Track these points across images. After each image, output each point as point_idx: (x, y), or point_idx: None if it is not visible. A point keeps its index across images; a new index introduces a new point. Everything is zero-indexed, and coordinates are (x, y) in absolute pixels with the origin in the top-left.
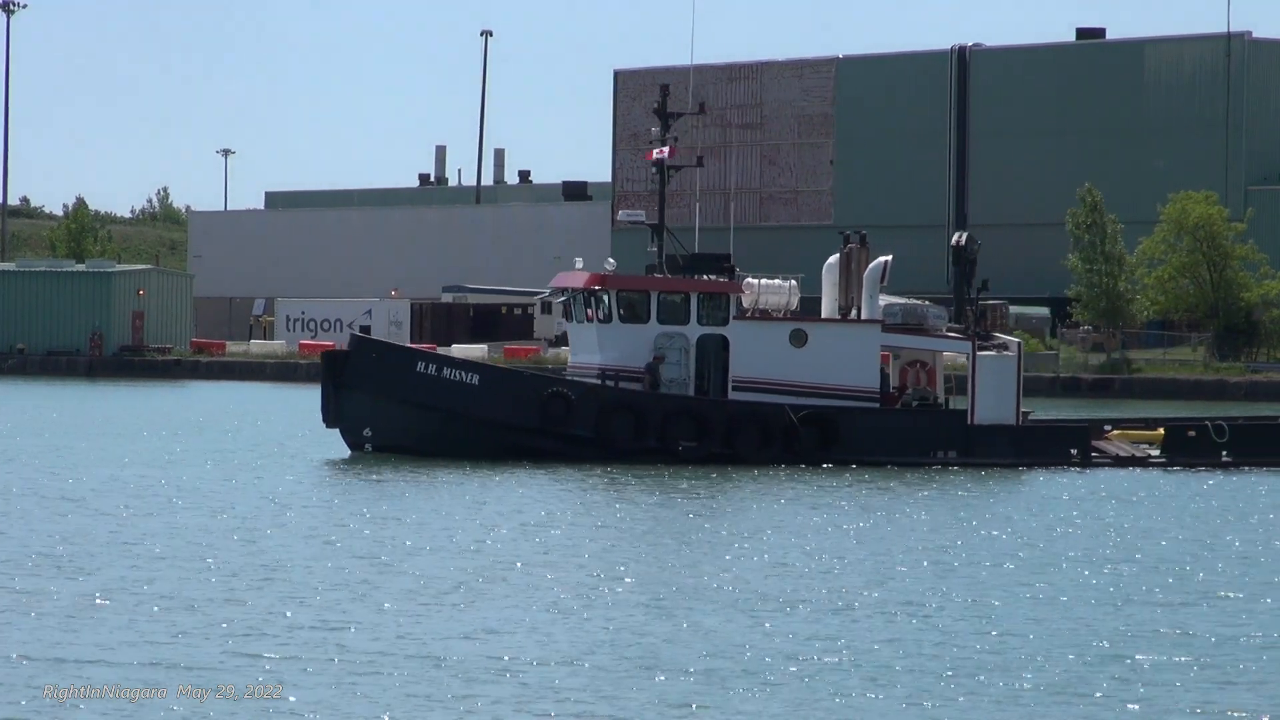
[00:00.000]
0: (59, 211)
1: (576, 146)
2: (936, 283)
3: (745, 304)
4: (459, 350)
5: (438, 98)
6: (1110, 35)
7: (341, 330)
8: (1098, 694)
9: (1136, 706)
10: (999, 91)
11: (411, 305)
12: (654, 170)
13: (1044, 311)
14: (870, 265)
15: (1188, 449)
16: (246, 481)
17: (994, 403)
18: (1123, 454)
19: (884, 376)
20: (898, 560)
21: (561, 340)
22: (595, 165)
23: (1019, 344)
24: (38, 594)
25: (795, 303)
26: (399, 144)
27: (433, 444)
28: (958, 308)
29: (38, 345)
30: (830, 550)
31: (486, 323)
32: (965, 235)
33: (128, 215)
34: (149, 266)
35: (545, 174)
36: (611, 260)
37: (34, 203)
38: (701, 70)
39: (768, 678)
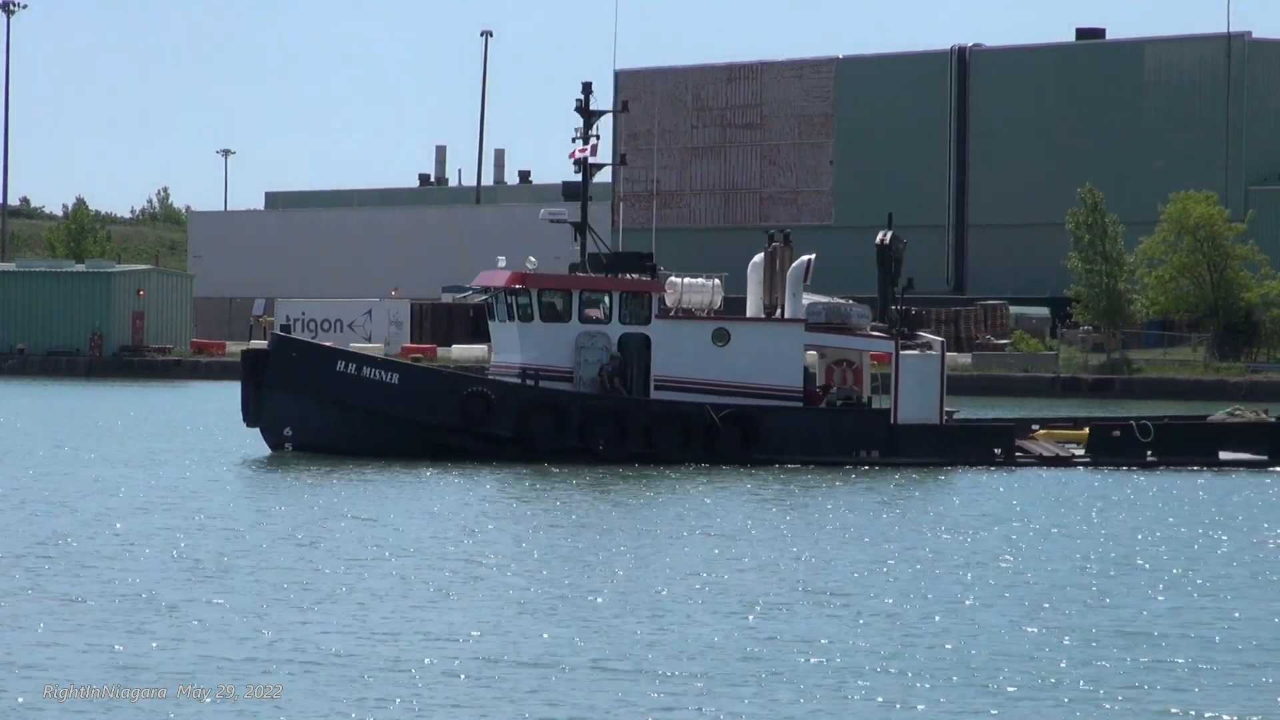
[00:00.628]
0: (59, 211)
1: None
2: (936, 283)
3: (669, 303)
4: (459, 351)
5: (438, 98)
6: (1110, 35)
7: (342, 330)
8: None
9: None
10: (999, 91)
11: (411, 305)
12: (576, 168)
13: (1044, 311)
14: (793, 264)
15: (1112, 449)
16: (153, 480)
17: (917, 402)
18: (1047, 454)
19: (809, 375)
20: (826, 559)
21: None
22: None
23: (942, 343)
24: None
25: (719, 302)
26: (399, 144)
27: (353, 444)
28: (882, 307)
29: (37, 345)
30: (736, 549)
31: (487, 323)
32: (889, 234)
33: (128, 215)
34: (149, 267)
35: (545, 174)
36: (533, 259)
37: (34, 203)
38: (701, 70)
39: (671, 674)
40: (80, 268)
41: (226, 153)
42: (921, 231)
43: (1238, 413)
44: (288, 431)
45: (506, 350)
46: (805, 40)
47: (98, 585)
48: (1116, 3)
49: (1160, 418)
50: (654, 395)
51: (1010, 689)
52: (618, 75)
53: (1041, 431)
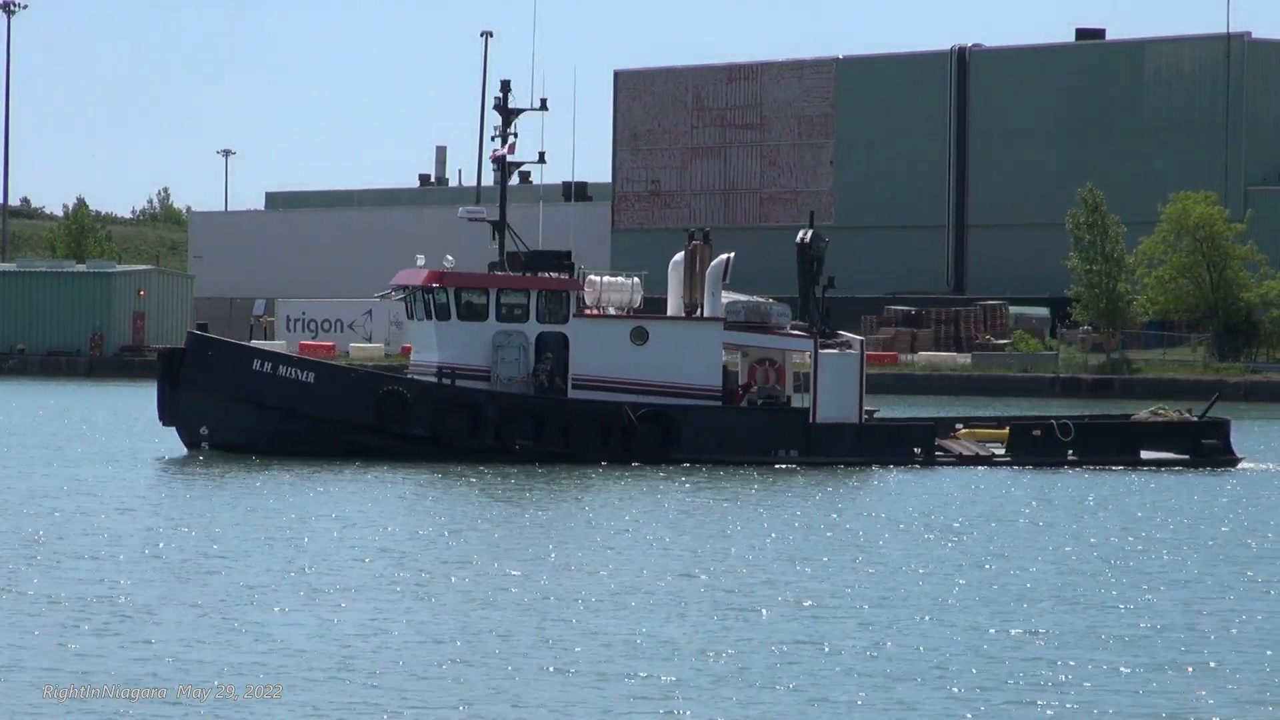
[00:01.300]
0: (59, 212)
1: (576, 146)
2: (936, 283)
3: (588, 301)
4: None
5: (438, 98)
6: (1110, 35)
7: (342, 331)
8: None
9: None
10: (999, 91)
11: None
12: (495, 168)
13: (1044, 312)
14: (712, 263)
15: (1033, 448)
16: (53, 479)
17: (836, 401)
18: (967, 453)
19: (729, 374)
20: (732, 557)
21: None
22: (595, 165)
23: (861, 342)
24: None
25: (638, 300)
26: (399, 144)
27: (269, 443)
28: (802, 305)
29: (38, 345)
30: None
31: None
32: (810, 233)
33: (128, 215)
34: (149, 267)
35: (545, 174)
36: (450, 257)
37: (34, 203)
38: (701, 70)
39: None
40: (81, 268)
41: (226, 153)
42: (921, 231)
43: (1161, 411)
44: (204, 431)
45: (424, 349)
46: (805, 40)
47: None
48: (1116, 3)
49: (1080, 417)
50: (572, 394)
51: (905, 688)
52: (618, 75)
53: (964, 431)
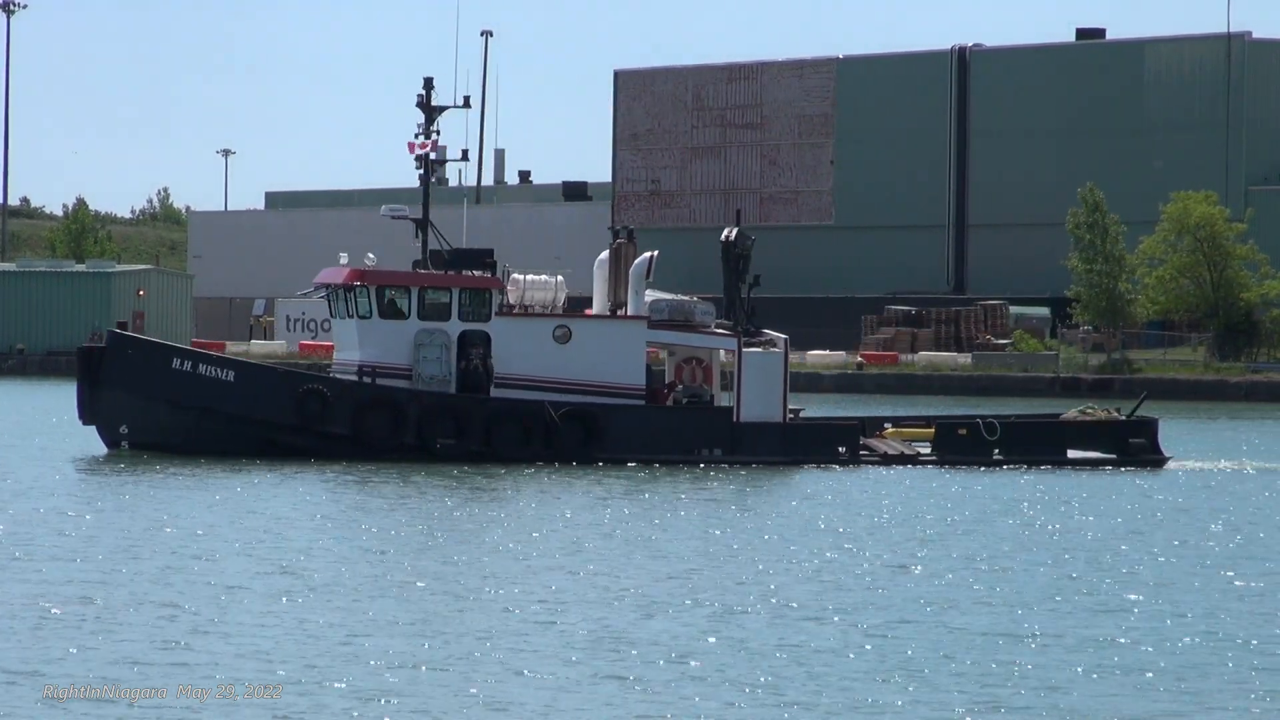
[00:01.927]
0: (59, 211)
1: (576, 146)
2: (936, 283)
3: (511, 300)
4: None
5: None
6: (1110, 35)
7: None
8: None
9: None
10: (999, 91)
11: None
12: (417, 165)
13: (1044, 311)
14: (635, 261)
15: (958, 447)
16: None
17: (760, 400)
18: (892, 452)
19: (653, 373)
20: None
21: None
22: (595, 165)
23: (785, 340)
24: None
25: (562, 299)
26: (399, 144)
27: (189, 442)
28: (727, 304)
29: (38, 345)
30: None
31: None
32: (735, 231)
33: (128, 215)
34: (149, 267)
35: (545, 174)
36: (371, 255)
37: (34, 203)
38: (701, 70)
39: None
40: (80, 268)
41: (226, 153)
42: (921, 231)
43: (1090, 410)
44: (124, 429)
45: (346, 348)
46: (805, 40)
47: None
48: (1116, 3)
49: (1006, 416)
50: (494, 393)
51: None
52: (617, 75)
53: (891, 430)
